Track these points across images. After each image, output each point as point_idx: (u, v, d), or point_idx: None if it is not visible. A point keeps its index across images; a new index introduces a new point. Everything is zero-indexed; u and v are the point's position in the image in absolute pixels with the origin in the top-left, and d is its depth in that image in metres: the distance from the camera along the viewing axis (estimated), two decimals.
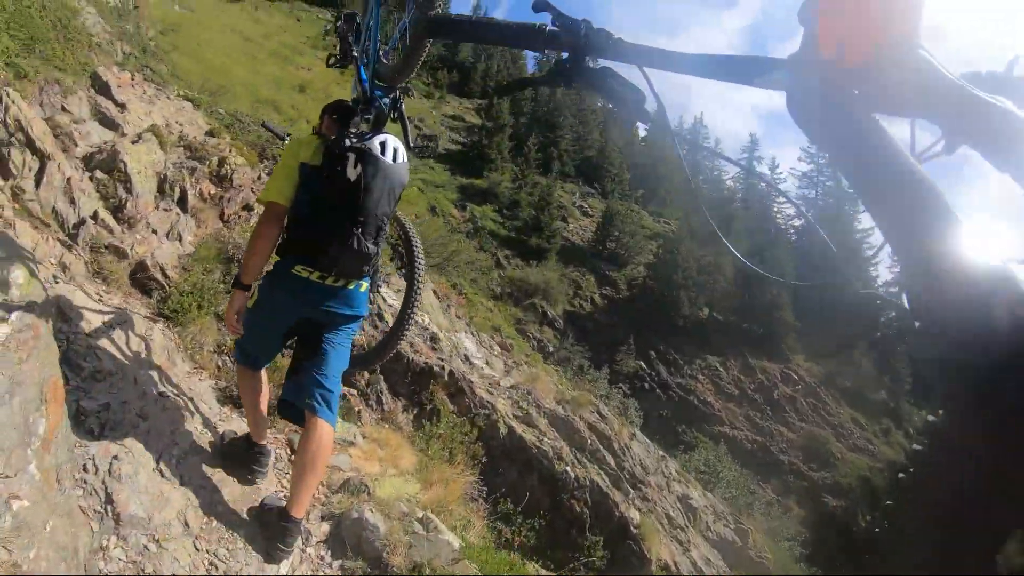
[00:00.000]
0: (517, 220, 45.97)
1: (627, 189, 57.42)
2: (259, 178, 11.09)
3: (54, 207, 5.66)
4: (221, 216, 8.29)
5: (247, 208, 8.75)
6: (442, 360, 8.66)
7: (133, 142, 7.19)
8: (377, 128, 3.30)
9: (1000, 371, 0.55)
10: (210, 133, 10.76)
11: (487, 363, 11.29)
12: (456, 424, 7.58)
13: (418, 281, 4.02)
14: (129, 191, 6.39)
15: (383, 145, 3.12)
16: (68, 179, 5.88)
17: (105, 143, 6.78)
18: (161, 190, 7.26)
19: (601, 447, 9.54)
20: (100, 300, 4.90)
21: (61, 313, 3.95)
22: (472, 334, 13.58)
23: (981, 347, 0.55)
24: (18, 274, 2.90)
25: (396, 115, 3.67)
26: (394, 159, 3.14)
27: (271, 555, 3.13)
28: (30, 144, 5.98)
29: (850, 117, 0.80)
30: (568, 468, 8.13)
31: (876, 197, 0.72)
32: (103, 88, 8.53)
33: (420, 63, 3.44)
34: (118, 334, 4.39)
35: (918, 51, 0.81)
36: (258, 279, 3.27)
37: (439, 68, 66.25)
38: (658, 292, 41.83)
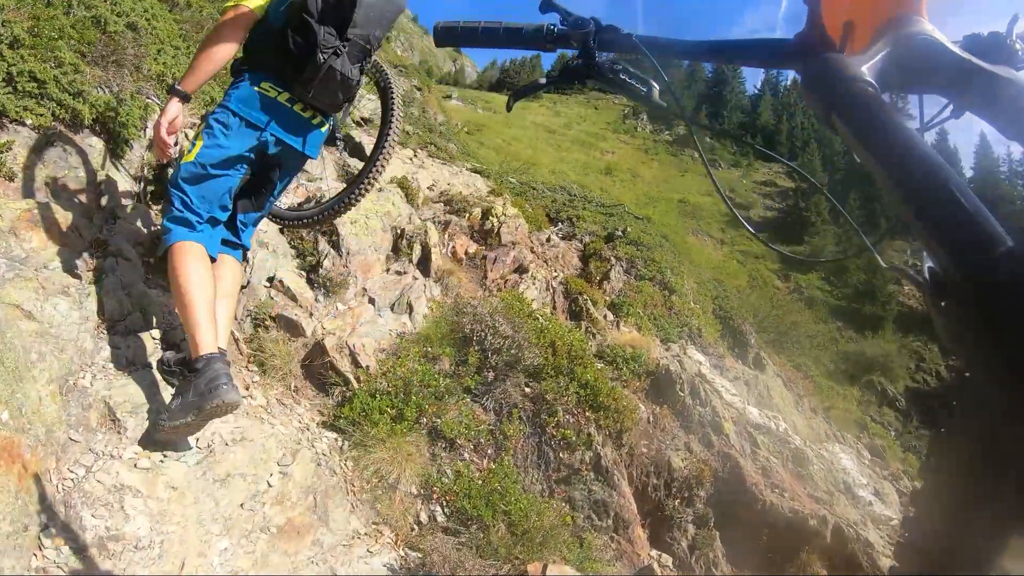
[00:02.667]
0: (846, 286, 41.77)
1: None
2: (548, 240, 9.09)
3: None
4: (482, 281, 6.16)
5: (520, 270, 6.51)
6: (818, 503, 5.07)
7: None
8: None
9: None
10: (492, 193, 9.29)
11: (876, 493, 7.10)
12: None
13: (390, 140, 3.20)
14: (336, 247, 4.42)
15: None
16: None
17: (308, 192, 5.03)
18: (396, 248, 5.29)
19: None
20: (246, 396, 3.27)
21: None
22: (840, 439, 9.46)
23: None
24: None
25: None
26: None
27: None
28: None
29: (860, 100, 0.71)
30: None
31: (889, 182, 0.61)
32: (356, 151, 7.29)
33: None
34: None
35: (923, 26, 0.81)
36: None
37: (743, 135, 62.70)
38: None
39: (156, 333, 3.39)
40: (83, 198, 3.79)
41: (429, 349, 4.12)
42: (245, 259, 3.33)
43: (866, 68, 0.75)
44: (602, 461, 4.51)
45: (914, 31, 0.79)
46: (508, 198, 8.71)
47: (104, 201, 3.96)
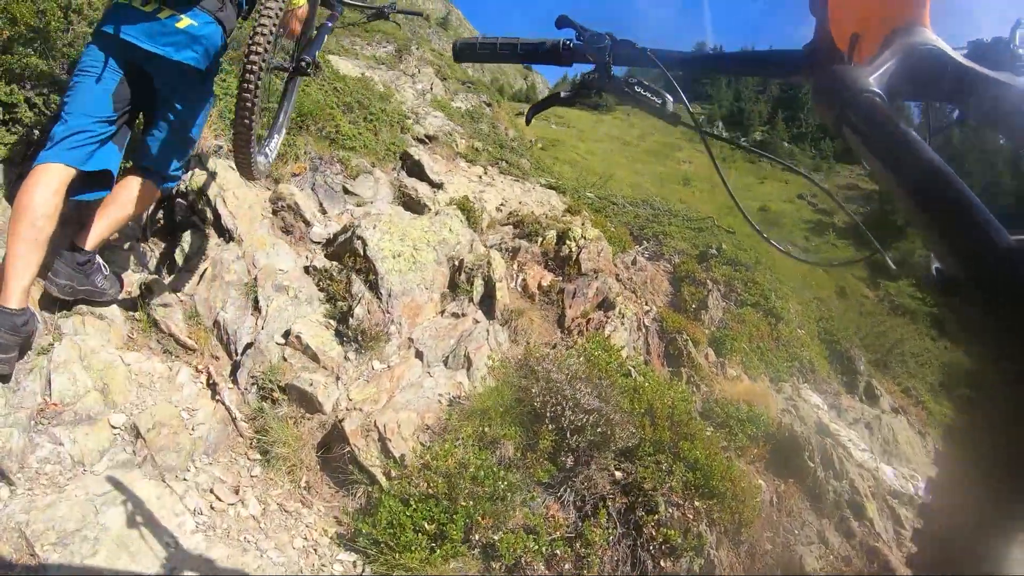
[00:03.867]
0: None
1: None
2: (634, 262, 7.94)
3: (219, 315, 3.07)
4: (560, 320, 5.10)
5: (604, 305, 5.41)
6: None
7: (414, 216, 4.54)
8: None
9: None
10: (569, 211, 8.23)
11: None
12: None
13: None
14: (375, 287, 3.50)
15: None
16: (255, 272, 3.27)
17: (353, 219, 4.16)
18: (453, 284, 4.32)
19: None
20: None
21: None
22: None
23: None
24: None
25: None
26: None
27: None
28: (215, 222, 3.60)
29: (867, 111, 0.73)
30: None
31: (897, 189, 0.63)
32: (415, 169, 6.42)
33: None
34: None
35: (927, 36, 0.82)
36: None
37: (821, 138, 59.11)
38: None
39: (118, 419, 2.53)
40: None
41: (487, 429, 3.09)
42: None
43: (873, 79, 0.76)
44: (716, 571, 3.34)
45: (918, 41, 0.81)
46: (587, 216, 7.63)
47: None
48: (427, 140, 8.25)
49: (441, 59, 13.99)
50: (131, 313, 3.04)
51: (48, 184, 2.36)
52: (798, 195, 49.10)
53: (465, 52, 1.38)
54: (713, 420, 4.66)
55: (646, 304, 6.37)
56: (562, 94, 1.35)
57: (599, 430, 3.46)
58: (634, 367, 4.73)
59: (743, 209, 1.19)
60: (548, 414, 3.35)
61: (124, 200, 2.71)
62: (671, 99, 1.16)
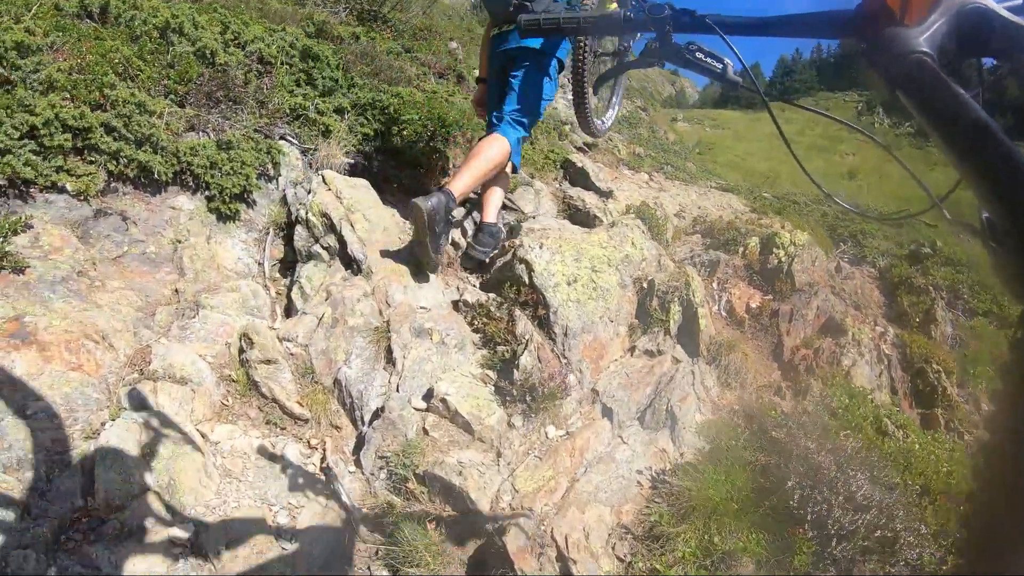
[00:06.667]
0: None
1: None
2: (838, 269, 6.40)
3: (340, 372, 2.29)
4: (776, 351, 3.87)
5: (830, 330, 4.08)
6: None
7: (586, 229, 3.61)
8: None
9: None
10: (754, 211, 6.87)
11: None
12: None
13: None
14: (545, 325, 2.62)
15: None
16: (388, 313, 2.49)
17: (514, 239, 3.29)
18: (643, 311, 3.32)
19: None
20: None
21: None
22: None
23: None
24: None
25: None
26: None
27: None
28: (341, 251, 2.88)
29: (919, 73, 0.73)
30: None
31: (948, 147, 0.63)
32: (579, 178, 5.50)
33: None
34: None
35: None
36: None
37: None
38: None
39: (181, 531, 1.78)
40: (148, 281, 2.44)
41: (717, 539, 2.02)
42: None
43: (923, 39, 0.76)
44: None
45: (965, 0, 0.79)
46: (775, 218, 6.24)
47: (184, 285, 2.58)
48: (586, 148, 7.38)
49: None
50: (227, 371, 2.35)
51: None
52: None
53: (531, 28, 1.38)
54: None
55: (876, 323, 4.88)
56: (625, 61, 1.51)
57: (879, 531, 2.25)
58: (889, 417, 3.41)
59: (813, 177, 1.20)
60: (809, 514, 2.20)
61: (477, 149, 3.36)
62: (732, 64, 1.18)
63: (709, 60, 1.19)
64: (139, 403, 1.99)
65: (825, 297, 4.35)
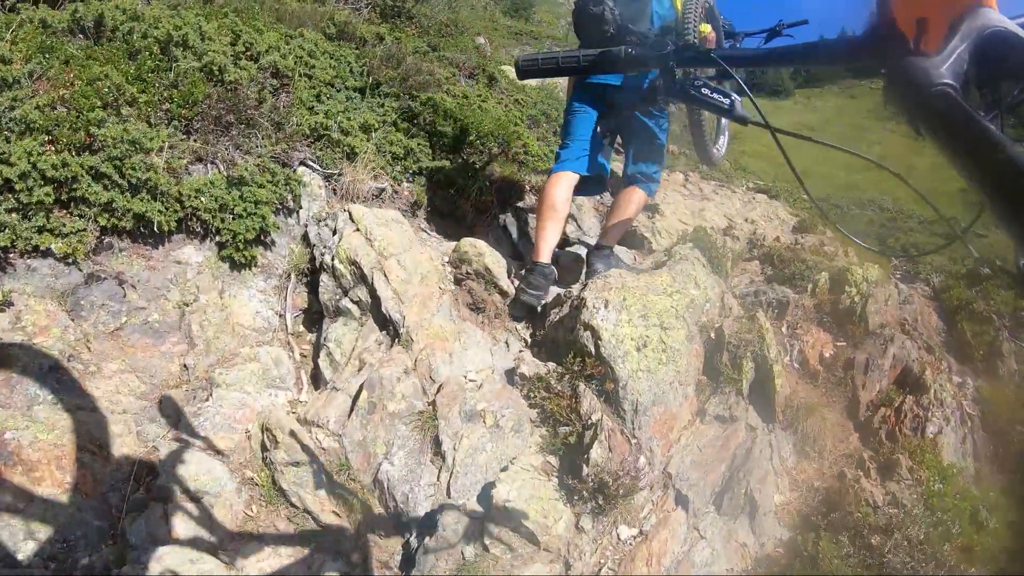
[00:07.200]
0: None
1: None
2: (904, 301, 5.91)
3: (380, 469, 1.94)
4: (851, 408, 3.45)
5: (908, 382, 3.64)
6: None
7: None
8: None
9: None
10: (800, 228, 6.39)
11: None
12: None
13: None
14: (614, 401, 2.22)
15: None
16: (433, 392, 2.09)
17: (566, 293, 2.92)
18: (710, 366, 2.94)
19: None
20: None
21: None
22: None
23: None
24: None
25: None
26: None
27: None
28: (373, 307, 2.50)
29: (941, 107, 0.70)
30: None
31: (979, 185, 0.61)
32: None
33: None
34: None
35: (992, 17, 0.77)
36: None
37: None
38: None
39: None
40: (152, 356, 2.07)
41: None
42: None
43: (946, 69, 0.73)
44: None
45: (985, 23, 0.76)
46: (842, 246, 5.74)
47: (194, 358, 2.20)
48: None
49: None
50: (248, 473, 1.97)
51: (561, 184, 3.22)
52: None
53: (529, 69, 1.33)
54: None
55: (951, 370, 4.42)
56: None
57: None
58: (985, 508, 3.03)
59: (816, 202, 1.19)
60: None
61: (622, 204, 3.53)
62: (739, 99, 1.14)
63: (716, 96, 1.16)
64: (149, 536, 1.61)
65: (901, 344, 3.90)
